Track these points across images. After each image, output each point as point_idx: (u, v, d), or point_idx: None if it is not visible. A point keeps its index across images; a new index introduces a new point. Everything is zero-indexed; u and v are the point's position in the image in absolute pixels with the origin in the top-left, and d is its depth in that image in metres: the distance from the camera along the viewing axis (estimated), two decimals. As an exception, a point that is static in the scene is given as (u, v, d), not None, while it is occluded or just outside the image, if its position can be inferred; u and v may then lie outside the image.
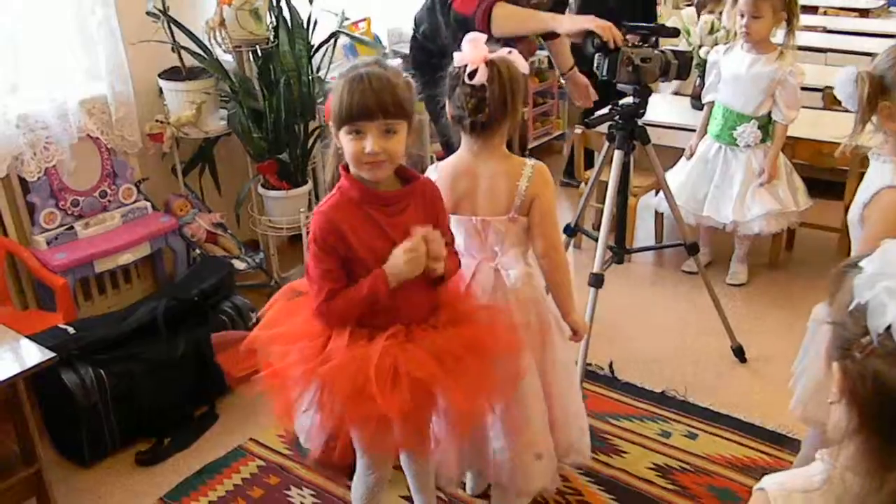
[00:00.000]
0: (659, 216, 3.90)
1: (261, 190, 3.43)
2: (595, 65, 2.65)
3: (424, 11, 3.05)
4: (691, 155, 3.54)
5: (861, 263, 0.92)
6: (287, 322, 1.80)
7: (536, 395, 2.04)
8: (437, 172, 2.00)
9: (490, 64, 1.83)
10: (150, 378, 2.62)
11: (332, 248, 1.68)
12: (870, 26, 5.74)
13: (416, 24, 3.10)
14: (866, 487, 0.89)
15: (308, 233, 1.79)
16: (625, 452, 2.57)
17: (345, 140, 1.65)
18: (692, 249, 2.97)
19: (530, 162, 1.96)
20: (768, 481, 1.04)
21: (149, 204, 3.27)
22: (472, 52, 1.83)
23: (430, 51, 2.95)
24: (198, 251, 3.32)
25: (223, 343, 2.66)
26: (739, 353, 3.06)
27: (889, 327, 0.87)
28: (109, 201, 3.16)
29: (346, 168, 1.71)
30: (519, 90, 1.88)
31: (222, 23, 3.18)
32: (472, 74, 1.82)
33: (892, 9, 6.89)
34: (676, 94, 4.26)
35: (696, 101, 3.77)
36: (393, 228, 1.70)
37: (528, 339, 1.99)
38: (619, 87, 2.69)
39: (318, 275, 1.70)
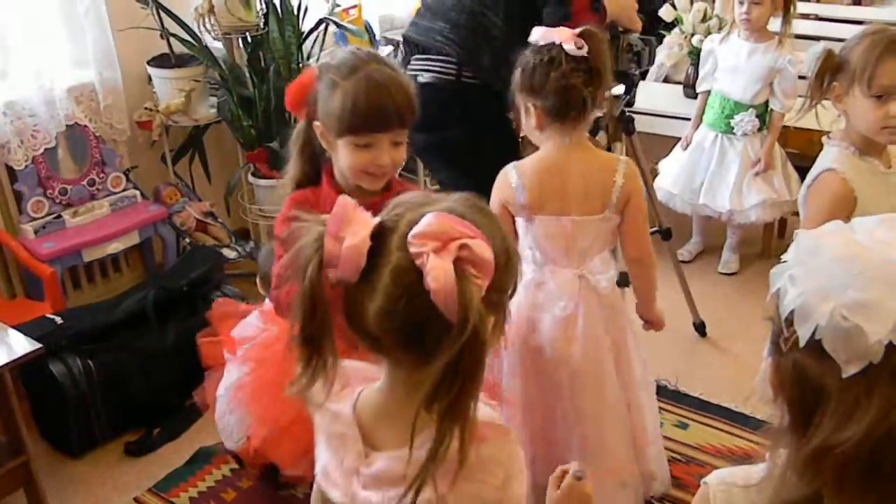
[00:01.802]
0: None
1: (251, 178, 3.40)
2: None
3: (471, 33, 2.22)
4: (688, 145, 3.53)
5: (783, 256, 0.92)
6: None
7: (619, 413, 1.95)
8: (516, 172, 1.86)
9: (588, 35, 1.72)
10: (140, 368, 2.61)
11: None
12: (863, 14, 5.71)
13: (462, 56, 2.24)
14: (800, 484, 0.88)
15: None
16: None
17: (346, 149, 1.47)
18: (666, 235, 2.98)
19: (623, 157, 1.89)
20: (713, 476, 1.03)
21: (138, 192, 3.24)
22: (558, 32, 1.74)
23: (471, 87, 2.26)
24: (188, 240, 3.30)
25: (222, 315, 2.29)
26: (701, 328, 3.12)
27: (792, 313, 0.86)
28: (98, 190, 3.13)
29: (330, 171, 1.55)
30: (607, 66, 1.77)
31: (211, 9, 3.14)
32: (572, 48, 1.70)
33: (886, -4, 6.86)
34: (665, 81, 4.23)
35: (689, 90, 3.75)
36: None
37: (603, 351, 1.93)
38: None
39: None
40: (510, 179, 1.87)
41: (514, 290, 1.04)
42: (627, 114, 2.72)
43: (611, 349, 1.97)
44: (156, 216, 3.19)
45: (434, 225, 0.90)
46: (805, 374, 0.86)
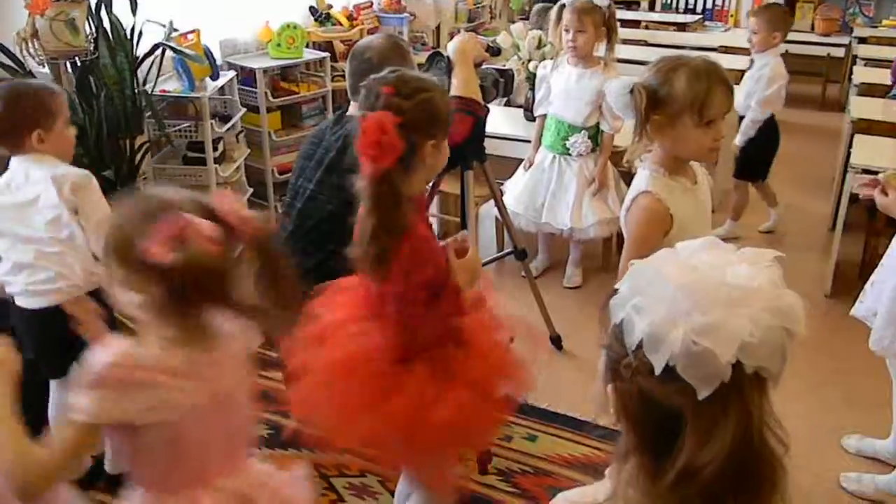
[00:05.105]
0: (500, 225, 4.00)
1: (85, 210, 3.24)
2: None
3: None
4: (530, 165, 3.66)
5: (616, 286, 0.96)
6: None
7: None
8: None
9: None
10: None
11: None
12: (687, 40, 6.15)
13: None
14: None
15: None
16: (467, 459, 2.60)
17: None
18: (521, 255, 3.08)
19: None
20: (559, 497, 1.06)
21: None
22: None
23: None
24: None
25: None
26: (557, 342, 3.24)
27: (640, 344, 0.89)
28: None
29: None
30: None
31: (35, 34, 2.98)
32: None
33: (707, 23, 7.42)
34: (508, 104, 4.39)
35: (529, 114, 3.91)
36: None
37: None
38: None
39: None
40: None
41: None
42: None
43: None
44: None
45: None
46: (652, 398, 0.90)
